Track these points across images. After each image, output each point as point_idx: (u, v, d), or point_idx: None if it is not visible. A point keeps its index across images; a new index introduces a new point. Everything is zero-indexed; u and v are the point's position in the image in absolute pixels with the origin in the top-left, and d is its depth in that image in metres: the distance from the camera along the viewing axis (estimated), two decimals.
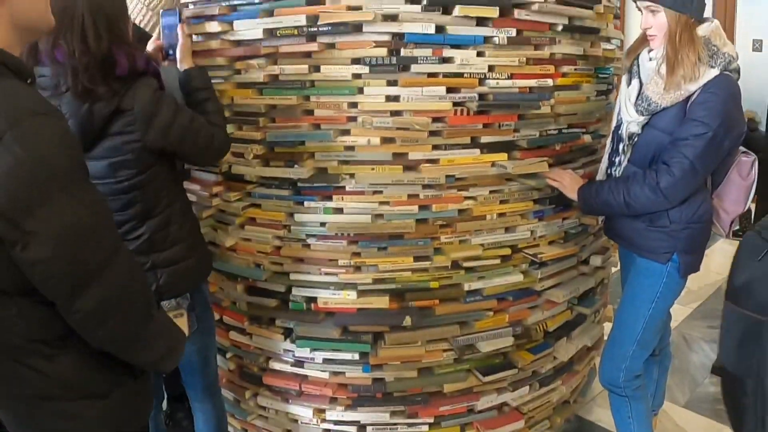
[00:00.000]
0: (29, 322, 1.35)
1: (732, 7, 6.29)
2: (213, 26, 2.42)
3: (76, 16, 1.84)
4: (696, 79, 2.17)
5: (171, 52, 2.25)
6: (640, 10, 2.29)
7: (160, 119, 1.95)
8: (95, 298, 1.31)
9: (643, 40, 2.37)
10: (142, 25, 2.60)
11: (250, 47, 2.38)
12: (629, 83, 2.38)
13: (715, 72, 2.17)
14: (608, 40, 2.78)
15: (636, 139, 2.33)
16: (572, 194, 2.43)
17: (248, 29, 2.37)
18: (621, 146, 2.39)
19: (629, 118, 2.32)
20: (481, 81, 2.34)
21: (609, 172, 2.44)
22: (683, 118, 2.20)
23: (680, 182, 2.17)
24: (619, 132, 2.39)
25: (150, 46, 2.28)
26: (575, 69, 2.59)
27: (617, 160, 2.41)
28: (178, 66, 2.22)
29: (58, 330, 1.37)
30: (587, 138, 2.71)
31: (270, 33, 2.33)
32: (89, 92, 1.86)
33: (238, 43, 2.42)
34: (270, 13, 2.33)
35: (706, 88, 2.17)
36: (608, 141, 2.50)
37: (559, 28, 2.48)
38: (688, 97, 2.20)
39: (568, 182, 2.46)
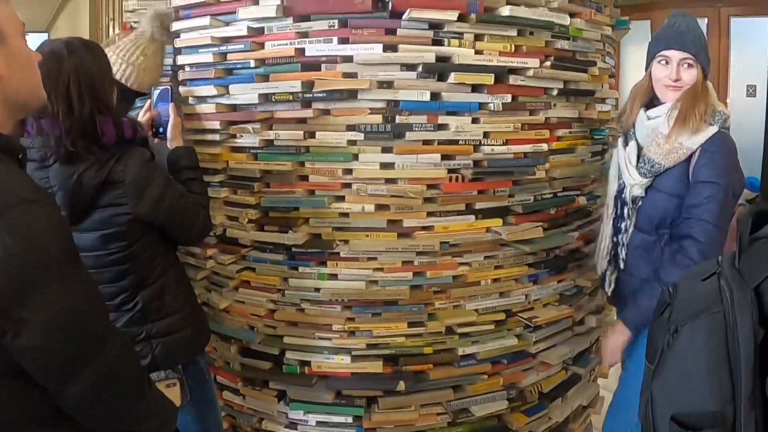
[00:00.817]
0: (21, 402, 1.33)
1: (726, 52, 6.33)
2: (209, 89, 2.43)
3: (61, 80, 1.86)
4: (697, 133, 2.20)
5: (161, 130, 2.26)
6: (663, 61, 2.31)
7: (151, 191, 1.95)
8: (87, 383, 1.30)
9: (642, 98, 2.39)
10: (122, 80, 2.57)
11: (246, 111, 2.38)
12: (626, 145, 2.40)
13: (714, 129, 2.21)
14: (603, 101, 2.79)
15: (640, 203, 2.34)
16: (624, 338, 2.40)
17: (244, 93, 2.38)
18: (626, 210, 2.39)
19: (632, 180, 2.33)
20: (476, 147, 2.34)
21: (616, 240, 2.44)
22: (688, 181, 2.22)
23: (711, 246, 2.16)
24: (623, 196, 2.40)
25: (142, 117, 2.28)
26: (570, 132, 2.59)
27: (623, 225, 2.41)
28: (168, 144, 2.23)
29: (50, 408, 1.35)
30: (582, 200, 2.71)
31: (265, 98, 2.34)
32: (73, 156, 1.87)
33: (234, 107, 2.42)
34: (266, 78, 2.34)
35: (706, 148, 2.20)
36: (608, 206, 2.50)
37: (555, 92, 2.49)
38: (689, 158, 2.22)
39: (613, 342, 2.43)
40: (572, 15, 2.52)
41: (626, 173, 2.36)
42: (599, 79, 2.71)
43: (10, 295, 1.18)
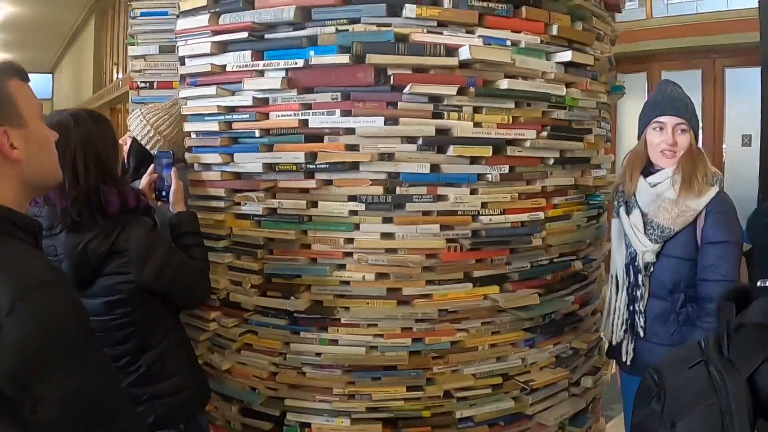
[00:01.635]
0: None
1: (721, 103, 6.42)
2: (214, 157, 2.49)
3: (68, 151, 1.92)
4: (702, 195, 2.30)
5: (164, 193, 2.32)
6: (657, 128, 2.39)
7: (154, 260, 2.01)
8: None
9: (639, 165, 2.46)
10: (146, 146, 2.65)
11: (250, 180, 2.45)
12: (629, 213, 2.46)
13: (715, 189, 2.31)
14: (599, 166, 2.85)
15: (652, 269, 2.40)
16: None
17: (248, 162, 2.44)
18: (639, 278, 2.45)
19: (643, 247, 2.40)
20: (474, 217, 2.40)
21: (632, 308, 2.49)
22: (695, 243, 2.29)
23: None
24: (636, 264, 2.46)
25: (144, 180, 2.35)
26: (566, 199, 2.65)
27: (639, 293, 2.47)
28: (170, 208, 2.29)
29: None
30: (578, 264, 2.75)
31: (270, 167, 2.40)
32: (78, 226, 1.93)
33: (238, 175, 2.48)
34: (270, 148, 2.40)
35: (710, 210, 2.28)
36: (617, 277, 2.55)
37: (551, 161, 2.55)
38: (695, 220, 2.29)
39: None
40: (568, 85, 2.59)
41: (636, 241, 2.43)
42: (595, 146, 2.77)
43: (30, 372, 1.23)
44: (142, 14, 3.27)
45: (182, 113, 2.65)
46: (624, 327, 2.57)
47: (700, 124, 2.52)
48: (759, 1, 3.98)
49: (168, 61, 3.17)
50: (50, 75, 21.92)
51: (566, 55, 2.51)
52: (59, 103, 20.52)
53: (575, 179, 2.68)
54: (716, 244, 2.27)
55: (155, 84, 3.23)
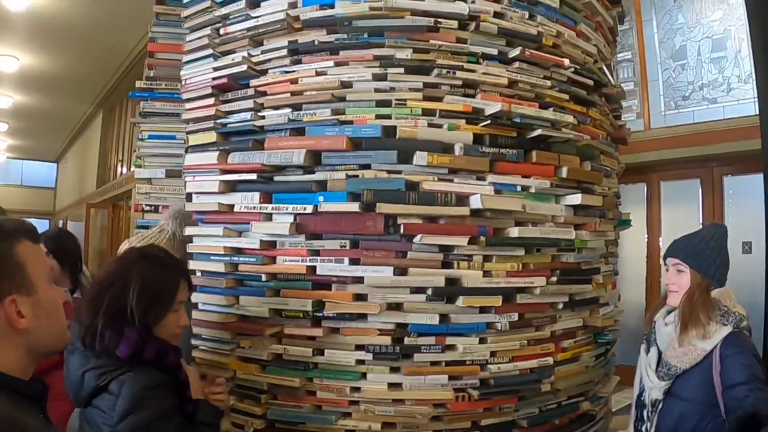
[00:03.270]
0: None
1: (720, 210, 6.45)
2: (219, 299, 2.45)
3: (119, 278, 1.89)
4: (709, 336, 2.27)
5: None
6: (666, 267, 2.46)
7: (133, 419, 1.88)
8: None
9: (661, 303, 2.46)
10: None
11: (255, 324, 2.40)
12: (647, 350, 2.46)
13: (728, 329, 2.26)
14: (606, 304, 2.82)
15: (660, 406, 2.37)
16: None
17: (254, 306, 2.40)
18: (644, 413, 2.43)
19: (651, 384, 2.39)
20: (483, 367, 2.35)
21: None
22: (709, 389, 2.24)
23: None
24: (642, 398, 2.44)
25: None
26: (575, 341, 2.61)
27: (643, 428, 2.44)
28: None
29: None
30: (586, 405, 2.70)
31: (276, 312, 2.36)
32: (92, 349, 1.88)
33: (244, 317, 2.44)
34: (276, 293, 2.37)
35: (723, 353, 2.24)
36: (631, 411, 2.53)
37: (560, 305, 2.52)
38: (709, 365, 2.24)
39: None
40: (578, 227, 2.57)
41: (646, 377, 2.43)
42: (603, 285, 2.75)
43: None
44: (150, 137, 3.27)
45: (182, 239, 2.64)
46: None
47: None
48: (760, 107, 3.98)
49: (174, 186, 3.16)
50: (55, 164, 22.08)
51: (576, 199, 2.51)
52: (62, 192, 20.65)
53: (584, 320, 2.65)
54: (737, 387, 2.20)
55: (160, 208, 3.20)
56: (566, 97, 2.63)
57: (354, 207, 2.27)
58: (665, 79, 6.78)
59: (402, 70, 2.36)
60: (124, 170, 12.75)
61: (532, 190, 2.43)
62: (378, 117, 2.34)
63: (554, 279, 2.46)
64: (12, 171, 21.42)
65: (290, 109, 2.43)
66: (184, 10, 2.90)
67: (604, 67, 2.99)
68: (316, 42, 2.44)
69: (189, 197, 2.63)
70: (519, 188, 2.41)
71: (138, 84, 3.41)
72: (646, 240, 6.75)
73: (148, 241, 2.63)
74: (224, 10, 2.68)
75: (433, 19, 2.38)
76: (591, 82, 2.78)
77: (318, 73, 2.42)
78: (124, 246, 2.65)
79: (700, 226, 5.69)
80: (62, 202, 20.29)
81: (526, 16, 2.54)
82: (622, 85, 6.64)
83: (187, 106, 2.74)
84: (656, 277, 6.67)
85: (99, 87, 13.53)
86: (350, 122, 2.35)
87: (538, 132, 2.44)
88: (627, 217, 3.13)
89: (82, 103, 14.98)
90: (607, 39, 3.14)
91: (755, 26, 3.93)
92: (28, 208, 19.11)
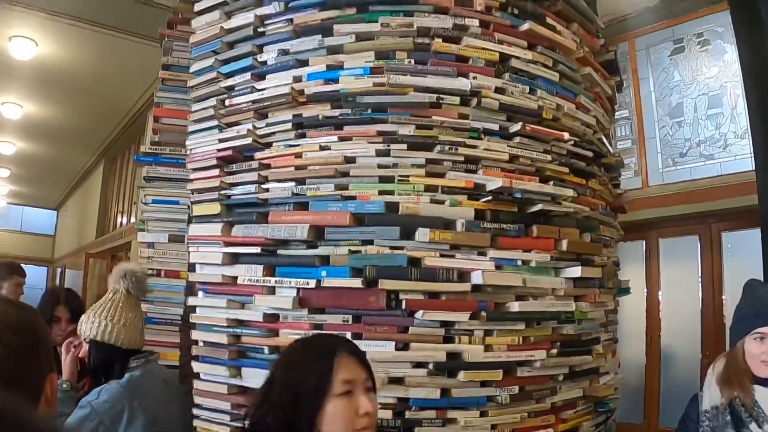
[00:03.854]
0: None
1: (719, 266, 6.45)
2: (221, 369, 2.47)
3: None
4: None
5: None
6: (758, 338, 2.29)
7: None
8: None
9: (745, 374, 2.32)
10: (110, 341, 2.48)
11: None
12: (762, 425, 2.29)
13: None
14: (606, 373, 2.83)
15: None
16: None
17: (256, 378, 2.39)
18: None
19: None
20: None
21: None
22: None
23: None
24: None
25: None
26: (575, 412, 2.62)
27: None
28: None
29: None
30: None
31: None
32: None
33: (245, 389, 2.45)
34: None
35: None
36: None
37: (561, 377, 2.53)
38: None
39: None
40: (577, 298, 2.60)
41: None
42: (603, 355, 2.77)
43: None
44: (154, 201, 3.29)
45: (136, 295, 2.67)
46: None
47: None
48: (756, 163, 4.01)
49: (176, 251, 3.17)
50: (55, 212, 22.11)
51: (576, 271, 2.54)
52: (61, 240, 20.57)
53: (584, 390, 2.66)
54: None
55: (162, 272, 3.22)
56: (566, 170, 2.67)
57: (356, 282, 2.29)
58: (662, 137, 6.83)
59: (405, 146, 2.40)
60: (124, 221, 12.79)
61: (533, 264, 2.45)
62: (381, 193, 2.37)
63: (554, 351, 2.48)
64: (12, 217, 21.42)
65: (294, 183, 2.47)
66: (190, 77, 2.96)
67: (603, 138, 3.04)
68: (321, 116, 2.48)
69: (192, 267, 2.65)
70: (519, 262, 2.43)
71: (143, 148, 3.45)
72: (645, 296, 6.75)
73: (105, 306, 2.58)
74: (230, 82, 2.74)
75: (435, 95, 2.43)
76: (590, 154, 2.82)
77: (322, 148, 2.46)
78: (83, 320, 2.58)
79: (700, 283, 5.69)
80: (61, 250, 20.24)
81: (527, 90, 2.59)
82: (619, 143, 6.77)
83: (192, 176, 2.78)
84: (655, 334, 6.64)
85: (101, 138, 13.67)
86: (353, 197, 2.39)
87: (538, 207, 2.48)
88: (626, 285, 3.14)
89: (83, 153, 15.09)
90: (606, 108, 3.19)
91: (749, 82, 3.99)
92: (27, 255, 19.07)
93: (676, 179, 6.74)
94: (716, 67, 6.66)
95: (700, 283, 6.48)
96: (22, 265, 4.22)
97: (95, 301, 2.62)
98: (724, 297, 6.27)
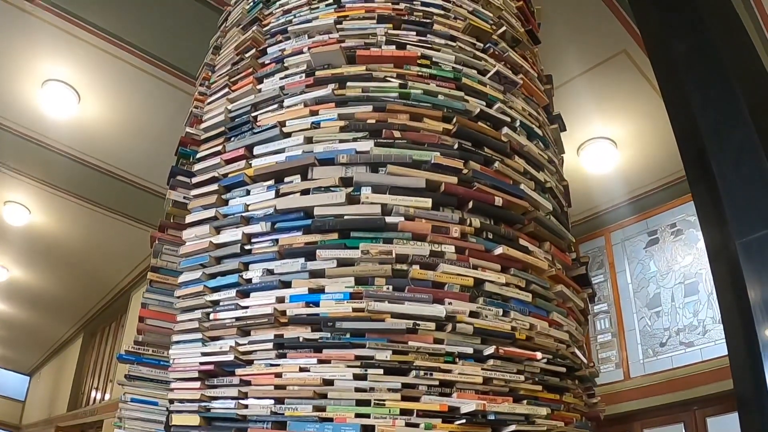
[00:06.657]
0: None
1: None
2: None
3: None
4: None
5: None
6: None
7: None
8: None
9: None
10: None
11: None
12: None
13: None
14: None
15: None
16: None
17: None
18: None
19: None
20: None
21: None
22: None
23: None
24: None
25: None
26: None
27: None
28: None
29: None
30: None
31: None
32: None
33: None
34: None
35: None
36: None
37: None
38: None
39: None
40: None
41: None
42: None
43: None
44: (133, 400, 3.31)
45: None
46: None
47: None
48: (728, 350, 4.06)
49: None
50: (28, 377, 21.73)
51: None
52: (31, 407, 20.01)
53: None
54: None
55: None
56: (540, 387, 2.73)
57: None
58: (642, 328, 6.96)
59: (381, 371, 2.47)
60: (98, 397, 12.57)
61: None
62: (357, 416, 2.42)
63: None
64: None
65: (273, 401, 2.52)
66: (176, 281, 3.06)
67: (576, 350, 3.12)
68: (301, 339, 2.56)
69: None
70: None
71: (125, 347, 3.49)
72: None
73: None
74: (215, 296, 2.84)
75: (412, 322, 2.52)
76: (563, 369, 2.89)
77: (301, 369, 2.52)
78: None
79: None
80: (29, 417, 19.64)
81: (501, 313, 2.70)
82: (599, 337, 6.87)
83: (173, 386, 2.83)
84: None
85: (83, 311, 13.67)
86: (330, 420, 2.43)
87: (512, 428, 2.53)
88: None
89: (64, 323, 15.02)
90: (579, 321, 3.29)
91: (715, 266, 4.09)
92: None
93: (657, 369, 6.81)
94: (690, 255, 6.87)
95: None
96: None
97: None
98: None
